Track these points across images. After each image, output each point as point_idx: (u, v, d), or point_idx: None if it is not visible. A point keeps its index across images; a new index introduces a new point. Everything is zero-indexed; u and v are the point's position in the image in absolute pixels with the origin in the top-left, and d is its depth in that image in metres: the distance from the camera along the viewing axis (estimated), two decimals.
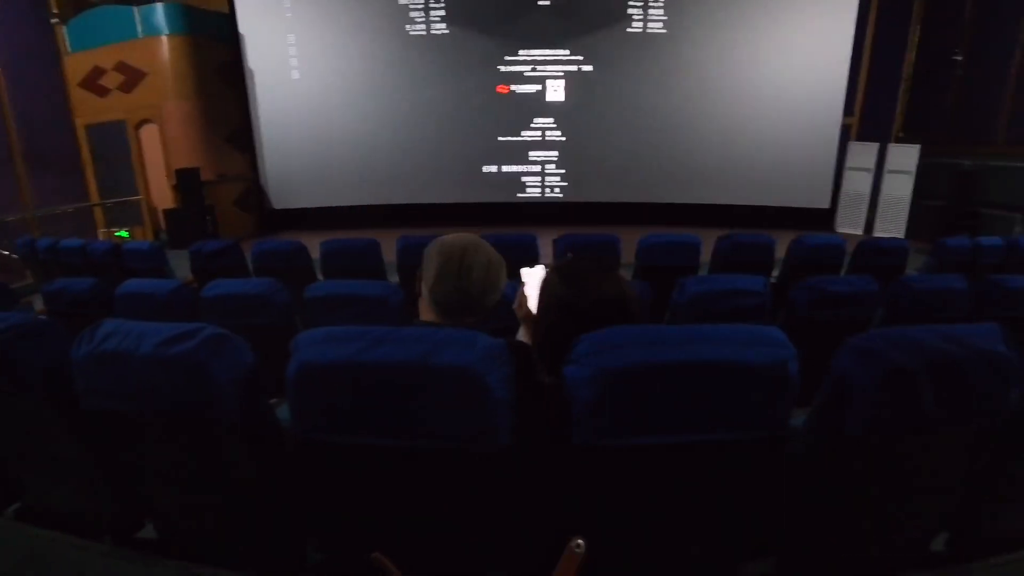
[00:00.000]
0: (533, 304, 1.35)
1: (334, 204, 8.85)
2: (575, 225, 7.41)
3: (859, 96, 9.22)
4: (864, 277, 2.52)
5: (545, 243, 4.10)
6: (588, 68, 8.38)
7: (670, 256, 3.63)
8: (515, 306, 1.50)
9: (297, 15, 8.28)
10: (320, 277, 3.89)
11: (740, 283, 2.32)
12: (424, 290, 1.38)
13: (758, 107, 8.61)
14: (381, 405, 0.96)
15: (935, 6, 8.86)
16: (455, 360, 0.93)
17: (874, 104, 9.30)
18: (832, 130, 8.74)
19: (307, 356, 0.99)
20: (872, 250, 3.64)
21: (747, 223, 7.54)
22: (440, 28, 8.22)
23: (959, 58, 8.28)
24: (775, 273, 3.80)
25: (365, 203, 8.82)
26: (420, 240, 3.46)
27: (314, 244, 4.11)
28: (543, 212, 8.71)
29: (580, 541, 0.67)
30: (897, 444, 1.26)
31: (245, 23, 8.31)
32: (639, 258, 3.73)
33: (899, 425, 1.22)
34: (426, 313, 1.38)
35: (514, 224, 7.92)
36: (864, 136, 9.12)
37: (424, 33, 8.23)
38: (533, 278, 1.41)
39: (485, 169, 8.71)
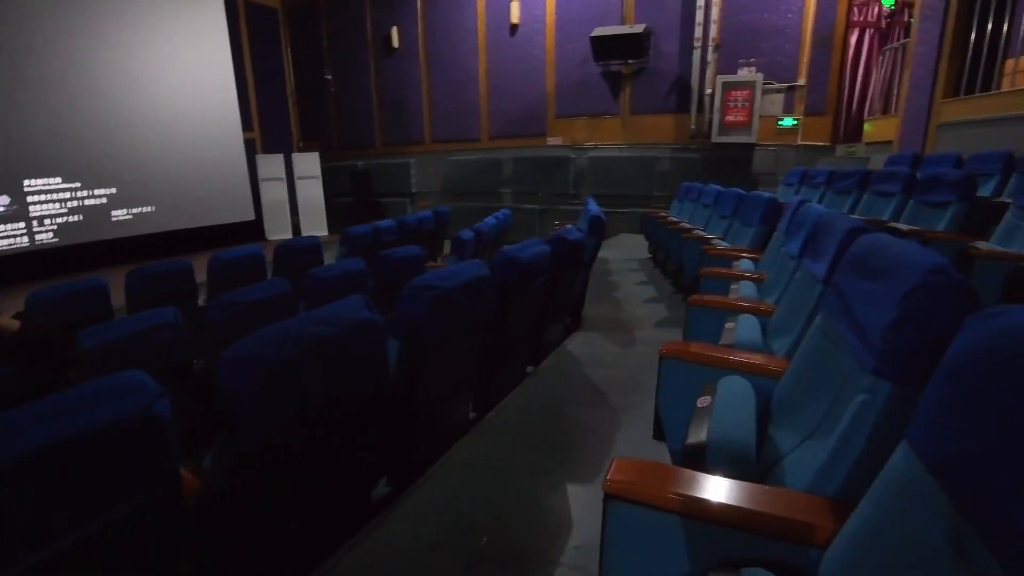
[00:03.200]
0: None
1: None
2: None
3: (254, 113, 9.75)
4: (278, 280, 2.64)
5: None
6: None
7: (69, 308, 2.94)
8: None
9: None
10: None
11: (148, 320, 2.04)
12: None
13: (159, 127, 7.95)
14: None
15: (298, 35, 10.09)
16: None
17: (270, 119, 10.07)
18: (237, 146, 9.00)
19: None
20: (289, 251, 3.87)
21: (171, 251, 7.16)
22: None
23: (329, 77, 9.74)
24: (204, 297, 3.62)
25: None
26: None
27: None
28: None
29: None
30: (296, 435, 1.30)
31: None
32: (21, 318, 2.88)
33: (294, 416, 1.26)
34: None
35: None
36: (269, 148, 9.81)
37: None
38: None
39: None
